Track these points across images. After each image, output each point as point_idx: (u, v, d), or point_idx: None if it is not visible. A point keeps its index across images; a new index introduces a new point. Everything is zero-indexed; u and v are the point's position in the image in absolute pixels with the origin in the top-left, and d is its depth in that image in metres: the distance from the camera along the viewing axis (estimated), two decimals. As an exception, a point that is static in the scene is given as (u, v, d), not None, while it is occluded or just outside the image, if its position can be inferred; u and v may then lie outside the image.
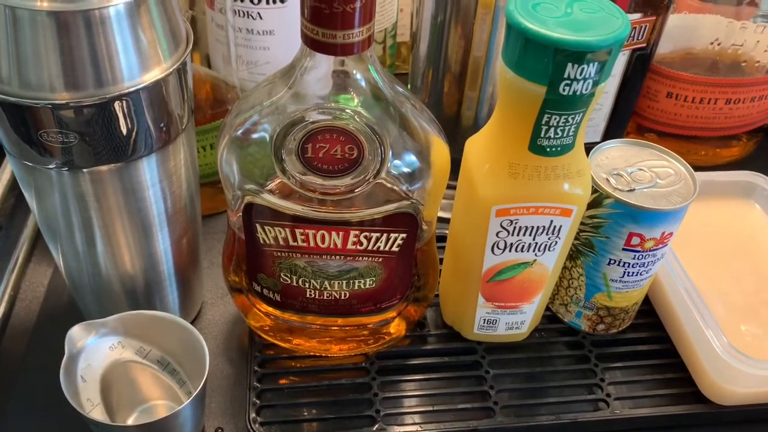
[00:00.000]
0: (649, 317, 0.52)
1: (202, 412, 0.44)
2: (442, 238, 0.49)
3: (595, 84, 0.36)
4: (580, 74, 0.35)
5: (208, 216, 0.60)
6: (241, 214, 0.41)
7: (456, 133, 0.58)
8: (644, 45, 0.62)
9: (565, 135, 0.38)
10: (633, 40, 0.62)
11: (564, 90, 0.36)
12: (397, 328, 0.48)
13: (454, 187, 0.46)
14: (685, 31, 0.64)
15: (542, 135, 0.38)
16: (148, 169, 0.41)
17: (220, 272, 0.54)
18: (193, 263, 0.50)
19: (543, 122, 0.38)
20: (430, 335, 0.51)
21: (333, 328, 0.47)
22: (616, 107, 0.67)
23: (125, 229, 0.43)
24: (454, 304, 0.49)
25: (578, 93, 0.36)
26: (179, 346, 0.45)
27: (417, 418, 0.45)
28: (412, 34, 0.62)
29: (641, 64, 0.64)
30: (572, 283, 0.49)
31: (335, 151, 0.37)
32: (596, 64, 0.35)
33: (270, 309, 0.46)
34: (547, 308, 0.52)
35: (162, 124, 0.39)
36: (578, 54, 0.34)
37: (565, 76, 0.35)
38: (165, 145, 0.41)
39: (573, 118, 0.37)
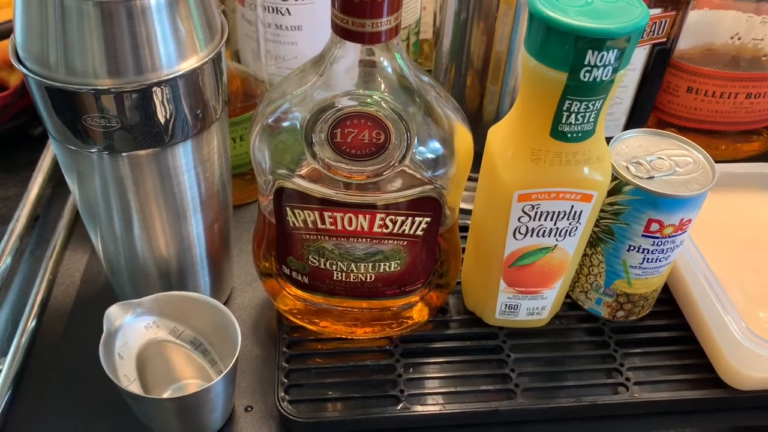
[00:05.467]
0: (669, 305, 0.53)
1: (232, 389, 0.46)
2: (464, 228, 0.51)
3: (615, 71, 0.37)
4: (600, 61, 0.36)
5: (238, 206, 0.62)
6: (272, 198, 0.43)
7: (478, 127, 0.59)
8: (664, 40, 0.63)
9: (585, 121, 0.40)
10: (653, 35, 0.63)
11: (584, 76, 0.37)
12: (419, 313, 0.50)
13: (475, 179, 0.47)
14: (705, 26, 0.65)
15: (564, 121, 0.39)
16: (183, 155, 0.43)
17: (249, 260, 0.56)
18: (224, 249, 0.51)
19: (564, 108, 0.39)
20: (452, 320, 0.52)
21: (358, 310, 0.48)
22: (636, 101, 0.68)
23: (161, 213, 0.45)
24: (475, 290, 0.51)
25: (598, 79, 0.37)
26: (211, 327, 0.46)
27: (440, 399, 0.47)
28: (435, 30, 0.64)
29: (661, 59, 0.65)
30: (592, 270, 0.50)
31: (363, 137, 0.39)
32: (616, 51, 0.36)
33: (299, 292, 0.48)
34: (568, 296, 0.53)
35: (198, 112, 0.41)
36: (598, 41, 0.36)
37: (586, 62, 0.36)
38: (200, 132, 0.42)
39: (593, 105, 0.39)
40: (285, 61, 0.60)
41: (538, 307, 0.49)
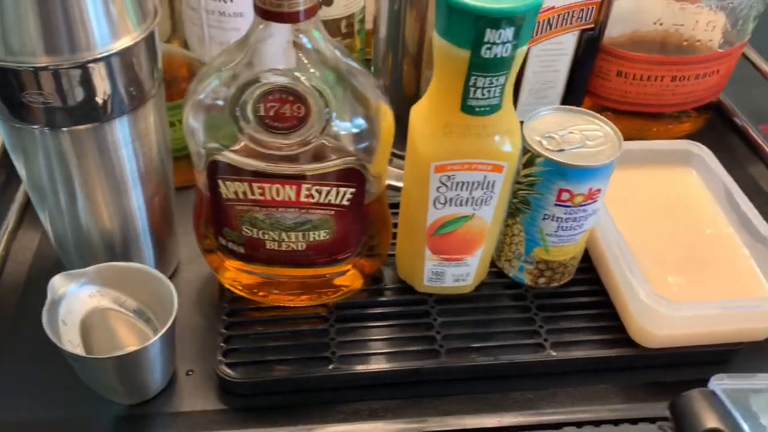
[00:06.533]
0: (589, 273, 0.57)
1: (171, 352, 0.48)
2: (397, 206, 0.53)
3: (515, 47, 0.41)
4: (499, 38, 0.40)
5: (186, 187, 0.64)
6: (205, 172, 0.46)
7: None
8: (592, 26, 0.67)
9: (492, 96, 0.43)
10: (581, 21, 0.66)
11: (486, 53, 0.40)
12: (353, 280, 0.53)
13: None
14: (631, 13, 0.69)
15: (471, 96, 0.43)
16: (121, 130, 0.46)
17: (194, 238, 0.59)
18: (167, 222, 0.54)
19: (471, 84, 0.42)
20: (386, 289, 0.55)
21: (294, 280, 0.51)
22: (569, 86, 0.71)
23: (103, 186, 0.48)
24: (406, 259, 0.54)
25: (499, 56, 0.41)
26: (153, 296, 0.49)
27: (369, 360, 0.50)
28: (374, 19, 0.67)
29: (592, 45, 0.69)
30: (514, 240, 0.54)
31: (285, 110, 0.42)
32: (513, 28, 0.39)
33: (237, 263, 0.51)
34: (494, 265, 0.57)
35: (132, 89, 0.44)
36: (496, 20, 0.39)
37: (486, 40, 0.40)
38: (136, 109, 0.45)
39: (497, 80, 0.42)
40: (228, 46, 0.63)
41: (463, 273, 0.53)
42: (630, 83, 0.71)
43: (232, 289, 0.53)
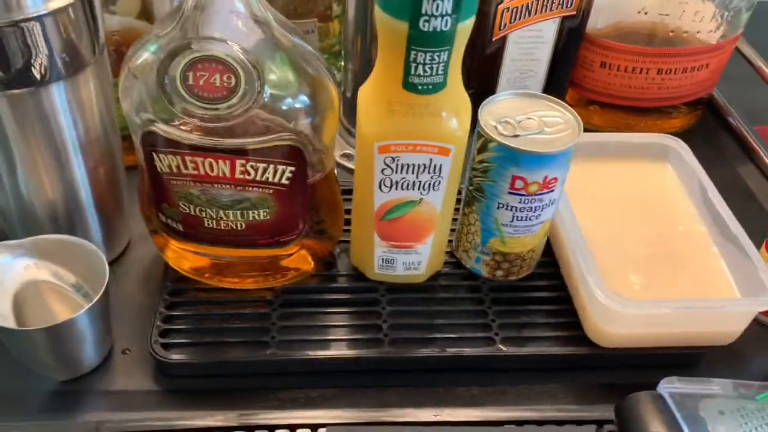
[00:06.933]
0: (551, 267, 0.54)
1: (104, 326, 0.47)
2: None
3: (455, 21, 0.38)
4: (437, 10, 0.38)
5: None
6: (141, 143, 0.44)
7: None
8: (574, 13, 0.64)
9: (434, 73, 0.41)
10: (562, 7, 0.64)
11: (424, 26, 0.38)
12: (303, 262, 0.51)
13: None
14: (615, 1, 0.66)
15: (412, 72, 0.41)
16: (58, 96, 0.45)
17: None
18: (114, 196, 0.53)
19: (411, 59, 0.40)
20: (339, 275, 0.53)
21: (240, 261, 0.50)
22: (551, 76, 0.69)
23: (42, 154, 0.47)
24: (358, 246, 0.52)
25: (438, 29, 0.39)
26: (89, 270, 0.48)
27: (309, 346, 0.48)
28: (343, 3, 0.65)
29: (574, 33, 0.66)
30: (470, 229, 0.51)
31: (214, 80, 0.40)
32: (451, 1, 0.37)
33: (178, 243, 0.49)
34: (453, 255, 0.55)
35: (68, 54, 0.43)
36: (432, -10, 0.37)
37: (423, 11, 0.38)
38: (73, 75, 0.44)
39: (439, 56, 0.40)
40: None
41: (414, 262, 0.51)
42: (614, 75, 0.68)
43: (177, 269, 0.52)
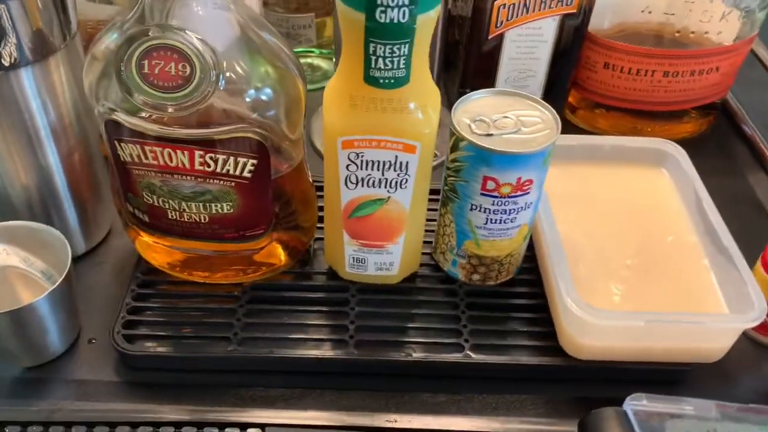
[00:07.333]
0: (533, 274, 0.52)
1: (69, 313, 0.47)
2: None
3: (412, 13, 0.37)
4: (392, 1, 0.36)
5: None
6: (104, 132, 0.44)
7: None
8: (575, 11, 0.62)
9: (396, 67, 0.39)
10: (562, 4, 0.62)
11: (381, 17, 0.37)
12: (276, 257, 0.50)
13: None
14: (620, -1, 0.64)
15: (373, 66, 0.39)
16: (27, 81, 0.45)
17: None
18: (90, 184, 0.53)
19: (371, 52, 0.39)
20: (312, 273, 0.52)
21: (209, 255, 0.49)
22: (551, 76, 0.67)
23: (14, 139, 0.47)
24: (330, 244, 0.51)
25: (395, 20, 0.37)
26: (57, 257, 0.48)
27: (272, 344, 0.47)
28: (333, -1, 0.64)
29: (576, 32, 0.64)
30: (446, 230, 0.50)
31: (170, 69, 0.39)
32: (407, -9, 0.36)
33: (147, 234, 0.49)
34: (432, 257, 0.53)
35: (36, 39, 0.43)
36: (387, -20, 0.35)
37: (378, 2, 0.36)
38: (42, 60, 0.44)
39: (399, 49, 0.38)
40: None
41: (386, 262, 0.49)
42: (618, 76, 0.66)
43: (149, 260, 0.51)
